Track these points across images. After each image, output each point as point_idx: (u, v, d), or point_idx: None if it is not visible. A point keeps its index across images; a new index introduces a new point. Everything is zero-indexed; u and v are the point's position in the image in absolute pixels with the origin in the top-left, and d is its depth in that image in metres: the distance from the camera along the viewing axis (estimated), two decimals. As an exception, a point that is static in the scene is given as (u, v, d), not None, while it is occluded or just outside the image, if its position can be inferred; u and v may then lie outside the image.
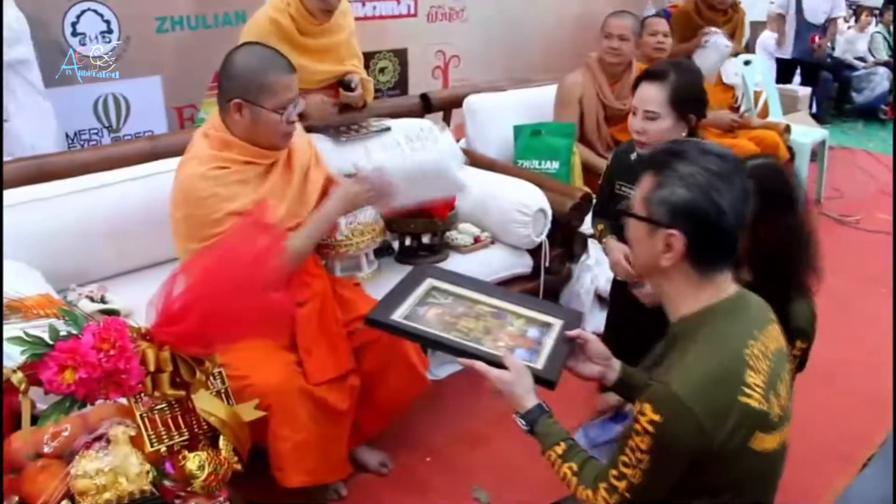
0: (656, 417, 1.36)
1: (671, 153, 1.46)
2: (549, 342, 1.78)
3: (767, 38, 7.54)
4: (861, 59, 8.61)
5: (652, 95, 2.38)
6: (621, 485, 1.45)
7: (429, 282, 1.93)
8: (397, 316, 1.81)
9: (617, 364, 1.79)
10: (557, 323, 1.85)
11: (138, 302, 2.24)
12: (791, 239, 1.86)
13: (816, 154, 5.23)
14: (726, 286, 1.49)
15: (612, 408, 2.18)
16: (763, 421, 1.41)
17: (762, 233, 1.72)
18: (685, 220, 1.42)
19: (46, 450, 1.52)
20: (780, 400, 1.45)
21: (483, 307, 1.87)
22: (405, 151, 2.04)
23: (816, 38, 7.05)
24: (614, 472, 1.46)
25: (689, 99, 2.40)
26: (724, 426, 1.36)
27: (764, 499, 1.56)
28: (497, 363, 1.64)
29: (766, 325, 1.49)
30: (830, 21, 7.20)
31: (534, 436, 1.62)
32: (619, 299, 2.64)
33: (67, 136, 3.62)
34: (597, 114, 3.80)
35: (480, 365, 1.64)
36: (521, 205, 3.07)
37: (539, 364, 1.70)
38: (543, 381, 1.66)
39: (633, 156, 2.52)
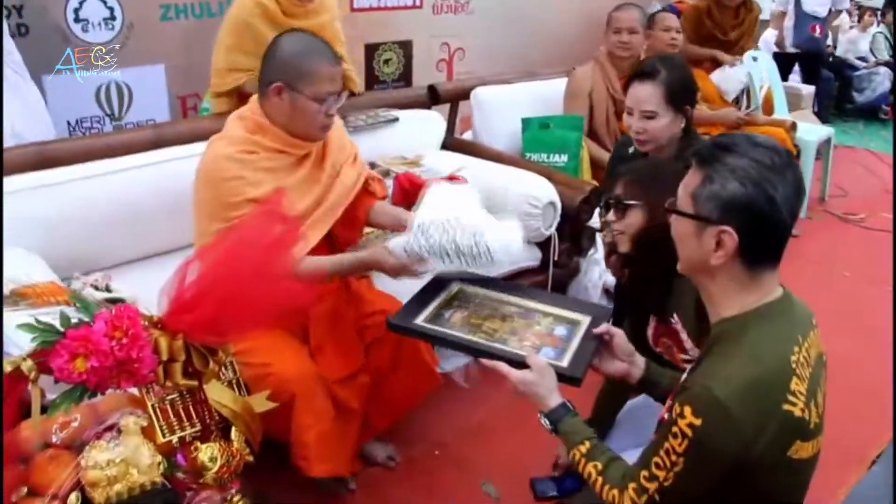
0: (696, 421, 1.32)
1: (720, 147, 1.40)
2: (575, 340, 1.76)
3: (770, 35, 7.51)
4: (863, 58, 8.59)
5: (647, 95, 2.39)
6: (652, 486, 1.40)
7: (456, 285, 1.95)
8: (420, 320, 1.82)
9: (641, 361, 1.76)
10: (585, 320, 1.83)
11: (143, 291, 2.20)
12: None
13: (820, 152, 5.21)
14: (772, 288, 1.44)
15: (562, 467, 2.19)
16: (803, 430, 1.37)
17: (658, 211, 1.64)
18: (738, 215, 1.35)
19: (55, 440, 1.48)
20: (819, 409, 1.41)
21: (511, 307, 1.87)
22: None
23: (817, 28, 7.03)
24: (645, 472, 1.42)
25: (683, 92, 2.41)
26: (765, 434, 1.32)
27: None
28: (521, 363, 1.63)
29: (809, 330, 1.44)
30: (834, 12, 7.18)
31: (558, 435, 1.59)
32: (624, 294, 2.62)
33: (69, 123, 3.59)
34: (607, 108, 3.77)
35: (503, 366, 1.63)
36: (532, 197, 3.03)
37: (564, 362, 1.68)
38: (568, 378, 1.64)
39: (631, 149, 2.51)
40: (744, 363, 1.35)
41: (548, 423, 1.60)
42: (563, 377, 1.64)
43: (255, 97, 2.19)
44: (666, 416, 1.48)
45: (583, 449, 1.54)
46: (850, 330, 3.46)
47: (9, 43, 2.94)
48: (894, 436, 2.52)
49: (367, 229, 2.55)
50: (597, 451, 1.54)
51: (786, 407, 1.33)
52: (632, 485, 1.44)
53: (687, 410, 1.33)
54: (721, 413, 1.30)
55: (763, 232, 1.36)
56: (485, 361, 1.67)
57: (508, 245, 1.84)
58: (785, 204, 1.34)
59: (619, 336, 1.74)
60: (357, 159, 2.38)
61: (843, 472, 2.56)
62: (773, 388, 1.33)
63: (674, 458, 1.36)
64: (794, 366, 1.36)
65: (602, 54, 3.83)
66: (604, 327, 1.74)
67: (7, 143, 2.67)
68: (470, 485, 2.49)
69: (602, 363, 1.75)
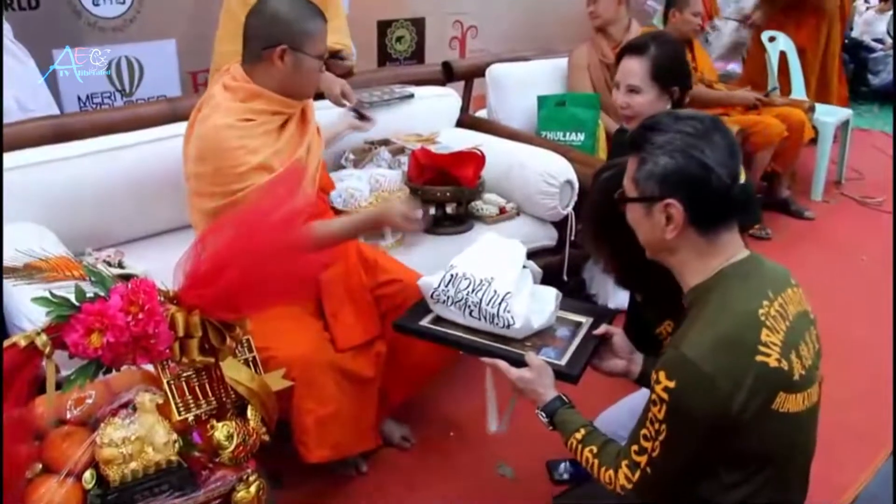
0: (670, 383, 1.35)
1: (646, 128, 1.46)
2: (576, 340, 1.84)
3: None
4: (879, 41, 8.48)
5: (633, 69, 2.39)
6: (642, 459, 1.43)
7: None
8: (425, 322, 1.93)
9: (640, 358, 1.81)
10: (587, 321, 1.90)
11: (156, 267, 2.18)
12: None
13: (837, 135, 5.14)
14: (735, 250, 1.47)
15: None
16: (784, 380, 1.38)
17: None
18: (677, 186, 1.40)
19: (70, 416, 1.47)
20: (804, 361, 1.42)
21: None
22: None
23: None
24: (635, 447, 1.45)
25: (671, 71, 2.40)
26: (742, 387, 1.33)
27: (797, 467, 1.53)
28: (521, 361, 1.71)
29: (784, 288, 1.46)
30: None
31: (554, 427, 1.64)
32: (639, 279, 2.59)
33: (79, 99, 3.55)
34: (604, 78, 3.70)
35: (503, 364, 1.72)
36: (548, 175, 2.98)
37: (563, 361, 1.76)
38: (565, 375, 1.72)
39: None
40: (710, 322, 1.38)
41: (544, 416, 1.66)
42: (561, 374, 1.71)
43: (235, 66, 2.16)
44: None
45: (578, 436, 1.59)
46: (868, 314, 3.42)
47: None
48: (894, 437, 2.49)
49: (364, 202, 2.59)
50: (592, 437, 1.58)
51: (759, 358, 1.35)
52: (624, 462, 1.47)
53: (662, 375, 1.37)
54: (692, 372, 1.33)
55: (705, 196, 1.40)
56: (485, 360, 1.76)
57: (529, 320, 1.82)
58: (720, 166, 1.38)
59: (619, 335, 1.80)
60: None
61: (862, 455, 2.53)
62: (741, 341, 1.36)
63: (657, 425, 1.39)
64: (762, 318, 1.38)
65: (592, 30, 3.84)
66: (603, 328, 1.81)
67: (18, 118, 2.64)
68: (486, 466, 2.46)
69: (602, 362, 1.81)
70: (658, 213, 1.43)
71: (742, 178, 1.47)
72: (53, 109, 2.97)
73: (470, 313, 1.86)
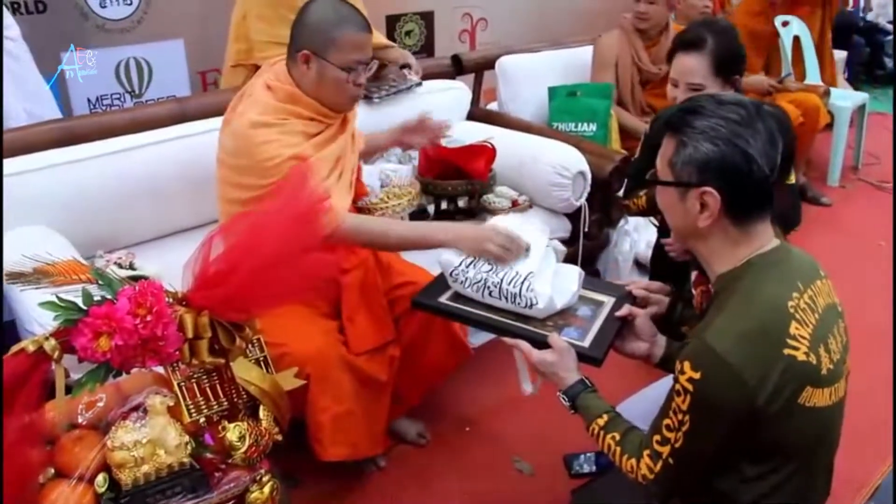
0: (695, 374, 1.32)
1: (688, 111, 1.41)
2: (598, 320, 1.77)
3: None
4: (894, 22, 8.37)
5: (693, 67, 2.25)
6: (665, 450, 1.40)
7: None
8: (444, 298, 1.86)
9: (663, 340, 1.76)
10: (609, 301, 1.84)
11: (168, 269, 2.16)
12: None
13: (853, 119, 5.08)
14: (766, 239, 1.43)
15: None
16: (812, 375, 1.35)
17: None
18: (716, 174, 1.36)
19: (81, 420, 1.46)
20: (832, 355, 1.39)
21: None
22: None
23: (850, 0, 6.84)
24: (657, 437, 1.42)
25: (732, 62, 2.28)
26: (768, 380, 1.30)
27: (821, 462, 1.50)
28: (542, 342, 1.66)
29: (813, 280, 1.43)
30: None
31: (576, 411, 1.60)
32: (660, 266, 2.56)
33: (89, 101, 3.56)
34: (631, 78, 3.68)
35: (524, 345, 1.67)
36: (561, 167, 2.95)
37: (586, 342, 1.70)
38: (589, 358, 1.66)
39: None
40: (738, 312, 1.35)
41: (566, 399, 1.62)
42: (584, 357, 1.66)
43: (280, 64, 2.14)
44: None
45: (600, 422, 1.55)
46: (888, 300, 3.37)
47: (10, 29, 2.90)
48: (894, 435, 2.45)
49: (374, 198, 2.54)
50: (614, 423, 1.55)
51: (787, 351, 1.32)
52: (646, 451, 1.44)
53: (686, 366, 1.33)
54: (719, 364, 1.30)
55: (744, 186, 1.36)
56: (507, 340, 1.71)
57: (552, 300, 1.75)
58: (761, 156, 1.34)
59: (643, 317, 1.74)
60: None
61: (883, 445, 2.50)
62: (769, 333, 1.33)
63: (680, 416, 1.36)
64: (792, 310, 1.35)
65: (627, 22, 3.72)
66: (626, 309, 1.76)
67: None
68: (502, 461, 2.45)
69: (624, 344, 1.76)
70: (693, 200, 1.39)
71: (792, 179, 1.43)
72: (56, 112, 2.96)
73: (489, 293, 1.80)
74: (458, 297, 1.87)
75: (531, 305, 1.75)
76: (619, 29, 3.75)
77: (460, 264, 1.85)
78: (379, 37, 3.29)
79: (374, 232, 2.08)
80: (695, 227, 1.42)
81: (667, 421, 1.39)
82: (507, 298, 1.78)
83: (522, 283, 1.76)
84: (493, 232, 1.89)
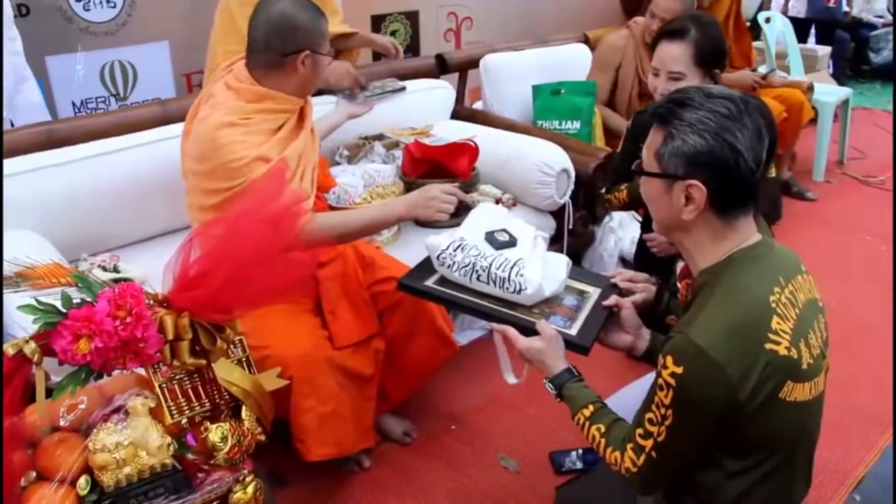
0: (678, 369, 1.32)
1: (676, 102, 1.40)
2: (585, 310, 1.77)
3: (783, -4, 7.36)
4: (880, 17, 8.40)
5: (675, 55, 2.27)
6: (647, 444, 1.41)
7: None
8: (431, 282, 1.84)
9: (647, 333, 1.77)
10: (595, 291, 1.84)
11: (152, 271, 2.18)
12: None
13: (837, 114, 5.10)
14: (749, 233, 1.44)
15: None
16: (793, 369, 1.35)
17: None
18: (703, 168, 1.36)
19: (63, 423, 1.46)
20: (812, 349, 1.40)
21: None
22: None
23: None
24: (640, 430, 1.42)
25: (714, 53, 2.29)
26: (751, 375, 1.31)
27: (802, 456, 1.51)
28: (530, 329, 1.64)
29: (795, 275, 1.44)
30: None
31: (562, 400, 1.61)
32: (644, 262, 2.57)
33: (74, 104, 3.54)
34: (631, 88, 3.68)
35: (512, 331, 1.65)
36: (544, 165, 2.97)
37: (573, 330, 1.70)
38: (576, 346, 1.66)
39: None
40: (720, 307, 1.35)
41: (552, 387, 1.62)
42: (572, 345, 1.65)
43: (240, 65, 2.16)
44: None
45: (586, 413, 1.55)
46: (874, 295, 3.40)
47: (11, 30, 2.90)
48: (894, 435, 2.47)
49: (358, 198, 2.56)
50: (600, 414, 1.55)
51: (768, 346, 1.32)
52: (629, 444, 1.45)
53: (669, 360, 1.34)
54: (701, 358, 1.30)
55: (730, 181, 1.36)
56: (494, 326, 1.70)
57: (541, 287, 1.74)
58: (748, 150, 1.34)
59: (629, 309, 1.75)
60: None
61: (868, 436, 2.52)
62: (752, 328, 1.33)
63: (663, 410, 1.36)
64: (773, 305, 1.35)
65: (637, 29, 3.70)
66: (613, 299, 1.76)
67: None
68: (488, 459, 2.45)
69: (608, 336, 1.76)
70: (678, 192, 1.39)
71: (772, 173, 1.43)
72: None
73: (477, 277, 1.78)
74: (444, 281, 1.85)
75: (520, 290, 1.73)
76: (628, 33, 3.74)
77: (448, 247, 1.83)
78: (343, 26, 3.26)
79: (334, 225, 2.11)
80: (679, 220, 1.42)
81: (649, 415, 1.39)
82: (495, 283, 1.76)
83: (512, 267, 1.75)
84: (432, 187, 2.09)
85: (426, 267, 1.89)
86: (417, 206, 2.09)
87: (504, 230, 1.89)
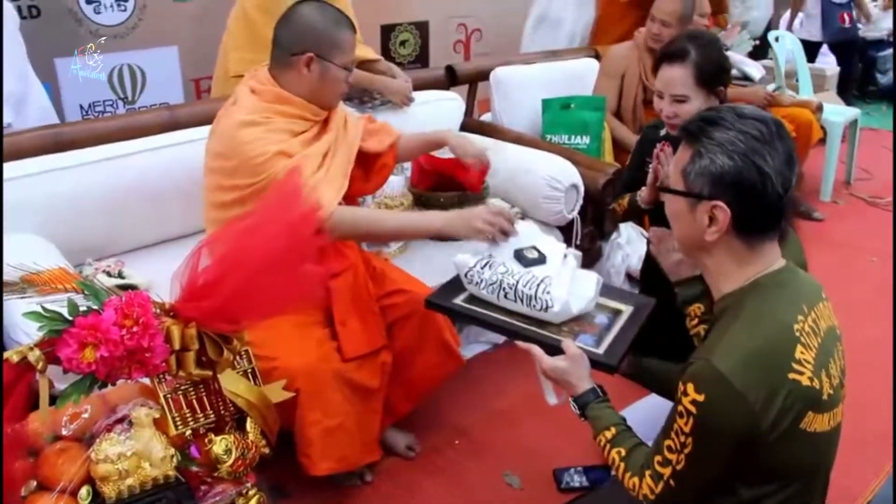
0: (699, 397, 1.29)
1: (707, 121, 1.38)
2: (615, 328, 1.75)
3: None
4: (885, 38, 8.39)
5: (677, 78, 2.27)
6: (666, 471, 1.38)
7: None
8: (459, 300, 1.83)
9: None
10: (627, 309, 1.82)
11: (157, 277, 2.16)
12: None
13: (844, 134, 5.09)
14: (773, 258, 1.41)
15: None
16: (814, 400, 1.33)
17: None
18: (729, 189, 1.33)
19: (65, 432, 1.44)
20: (832, 380, 1.37)
21: None
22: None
23: (846, 17, 6.79)
24: (659, 457, 1.40)
25: (716, 72, 2.28)
26: (773, 405, 1.28)
27: (818, 486, 1.48)
28: (556, 347, 1.63)
29: (817, 302, 1.41)
30: None
31: (586, 420, 1.58)
32: (652, 279, 2.55)
33: (81, 107, 3.54)
34: (636, 95, 3.68)
35: (537, 350, 1.63)
36: (553, 180, 2.96)
37: (601, 349, 1.67)
38: (603, 365, 1.64)
39: (663, 132, 2.41)
40: (743, 334, 1.33)
41: (576, 407, 1.59)
42: (599, 364, 1.63)
43: (263, 69, 2.17)
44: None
45: (608, 434, 1.53)
46: (881, 316, 3.38)
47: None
48: (894, 444, 2.45)
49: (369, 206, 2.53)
50: (622, 437, 1.52)
51: (792, 376, 1.30)
52: (648, 472, 1.42)
53: (690, 388, 1.31)
54: (723, 386, 1.28)
55: (755, 205, 1.34)
56: (520, 344, 1.67)
57: (568, 305, 1.72)
58: (777, 175, 1.32)
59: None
60: (349, 121, 2.37)
61: (874, 459, 2.50)
62: (776, 357, 1.31)
63: (683, 438, 1.33)
64: (797, 334, 1.33)
65: (641, 38, 3.71)
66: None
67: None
68: (492, 475, 2.43)
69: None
70: (702, 212, 1.37)
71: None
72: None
73: (505, 295, 1.76)
74: (473, 298, 1.84)
75: (547, 308, 1.71)
76: (632, 42, 3.75)
77: (475, 265, 1.82)
78: (368, 51, 3.28)
79: (366, 220, 2.13)
80: (701, 240, 1.40)
81: (668, 442, 1.37)
82: (522, 301, 1.74)
83: (539, 285, 1.73)
84: (480, 209, 1.98)
85: (455, 284, 1.88)
86: (455, 226, 2.01)
87: (533, 247, 1.87)
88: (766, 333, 1.32)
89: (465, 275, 1.83)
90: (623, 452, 1.49)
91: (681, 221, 1.43)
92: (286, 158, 2.01)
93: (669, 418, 1.38)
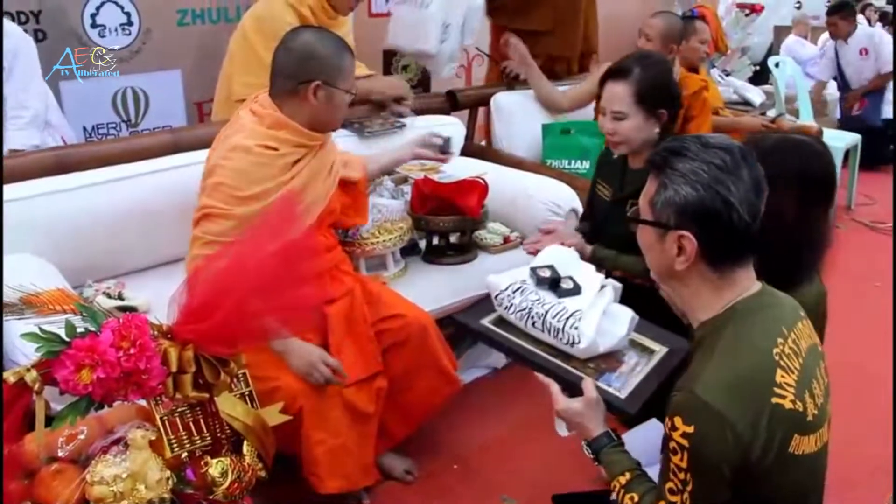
0: (688, 429, 1.29)
1: (671, 151, 1.40)
2: (642, 371, 1.71)
3: (793, 42, 7.40)
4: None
5: (617, 94, 2.28)
6: None
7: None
8: (488, 321, 1.81)
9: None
10: (661, 350, 1.78)
11: (157, 299, 2.16)
12: (817, 228, 1.80)
13: (846, 160, 5.10)
14: (748, 283, 1.42)
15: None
16: (799, 422, 1.33)
17: (789, 217, 1.64)
18: (694, 219, 1.35)
19: (61, 453, 1.43)
20: (816, 399, 1.37)
21: None
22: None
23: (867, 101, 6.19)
24: (663, 502, 1.38)
25: (657, 94, 2.28)
26: (759, 430, 1.28)
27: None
28: (576, 385, 1.61)
29: (796, 322, 1.42)
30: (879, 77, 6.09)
31: (600, 465, 1.57)
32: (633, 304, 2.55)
33: (85, 129, 3.56)
34: None
35: (554, 388, 1.62)
36: (554, 204, 2.96)
37: (623, 394, 1.64)
38: (622, 411, 1.62)
39: (615, 155, 2.42)
40: (723, 362, 1.33)
41: (589, 451, 1.59)
42: (617, 409, 1.61)
43: (263, 94, 2.20)
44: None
45: (622, 480, 1.51)
46: (883, 343, 3.36)
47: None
48: (894, 455, 2.44)
49: (365, 232, 2.58)
50: (636, 483, 1.50)
51: (774, 400, 1.30)
52: None
53: (678, 421, 1.31)
54: (711, 414, 1.28)
55: (722, 234, 1.35)
56: (540, 377, 1.66)
57: (595, 342, 1.69)
58: (742, 203, 1.33)
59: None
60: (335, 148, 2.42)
61: (876, 490, 2.48)
62: (757, 383, 1.31)
63: (682, 475, 1.32)
64: (777, 357, 1.33)
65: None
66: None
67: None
68: (490, 500, 2.42)
69: None
70: (671, 242, 1.38)
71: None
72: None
73: (532, 324, 1.74)
74: (502, 321, 1.82)
75: (573, 344, 1.69)
76: None
77: (507, 288, 1.80)
78: (361, 68, 3.29)
79: None
80: (672, 269, 1.41)
81: (669, 485, 1.35)
82: (549, 332, 1.72)
83: (568, 318, 1.70)
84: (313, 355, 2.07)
85: (486, 305, 1.86)
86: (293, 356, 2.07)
87: (570, 277, 1.85)
88: (745, 361, 1.33)
89: (496, 297, 1.82)
90: (636, 498, 1.47)
91: (652, 251, 1.45)
92: (258, 203, 2.03)
93: (664, 460, 1.37)
